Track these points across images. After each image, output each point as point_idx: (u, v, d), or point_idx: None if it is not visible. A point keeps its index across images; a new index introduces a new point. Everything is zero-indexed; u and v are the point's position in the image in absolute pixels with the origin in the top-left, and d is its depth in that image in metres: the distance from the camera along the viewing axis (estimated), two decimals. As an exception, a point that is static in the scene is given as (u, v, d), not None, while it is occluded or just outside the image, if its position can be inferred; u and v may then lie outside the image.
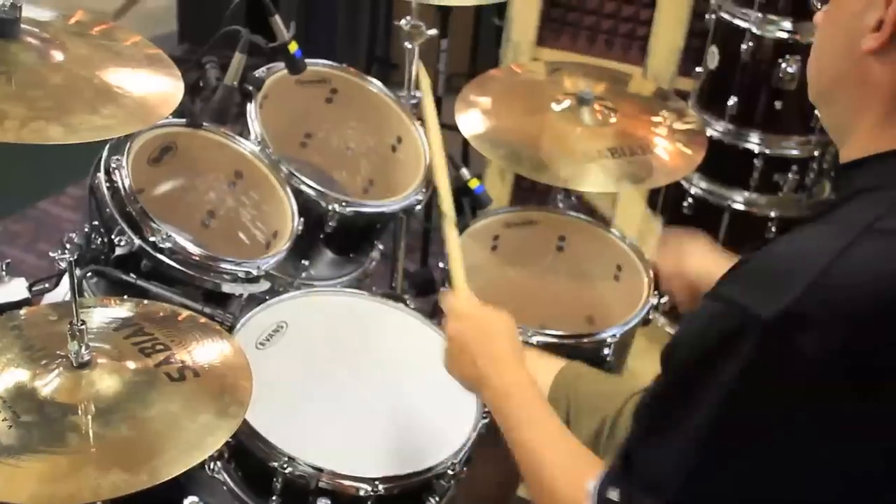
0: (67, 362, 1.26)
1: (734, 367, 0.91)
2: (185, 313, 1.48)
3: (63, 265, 1.59)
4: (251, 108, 1.95)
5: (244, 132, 1.95)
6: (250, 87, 1.93)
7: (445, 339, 1.39)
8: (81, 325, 1.25)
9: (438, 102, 2.78)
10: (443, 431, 1.57)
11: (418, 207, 2.08)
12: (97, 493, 1.14)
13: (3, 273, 1.55)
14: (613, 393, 1.60)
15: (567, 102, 2.12)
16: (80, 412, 1.22)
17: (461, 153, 2.79)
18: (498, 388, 1.28)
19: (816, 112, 2.44)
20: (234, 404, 1.29)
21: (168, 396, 1.27)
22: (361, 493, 1.44)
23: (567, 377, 1.64)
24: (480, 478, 1.79)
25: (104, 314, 1.43)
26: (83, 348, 1.26)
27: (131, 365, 1.31)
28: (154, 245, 1.63)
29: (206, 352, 1.37)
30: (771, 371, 0.90)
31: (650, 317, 1.98)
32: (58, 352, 1.28)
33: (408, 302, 1.92)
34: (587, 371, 1.68)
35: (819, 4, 1.12)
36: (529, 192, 3.06)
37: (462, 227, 2.10)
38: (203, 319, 1.47)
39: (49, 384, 1.25)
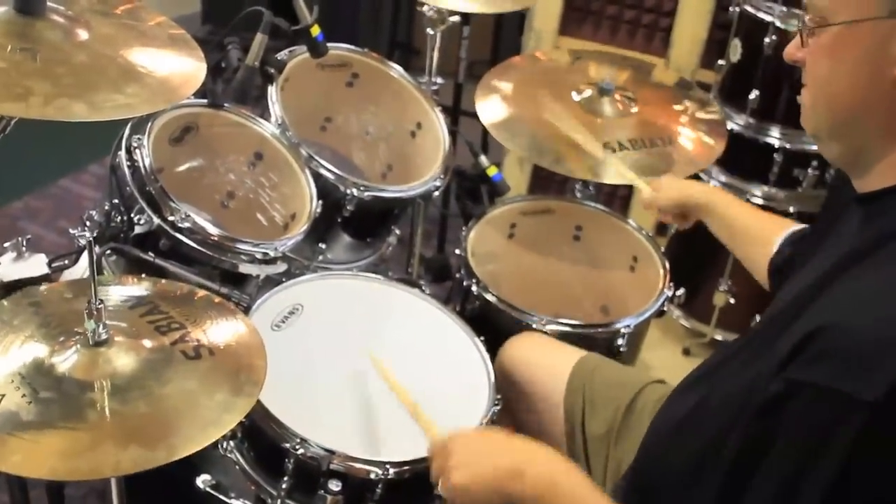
0: (85, 339, 1.27)
1: (839, 451, 0.91)
2: (201, 293, 1.48)
3: (83, 242, 1.61)
4: (272, 91, 1.96)
5: (265, 114, 1.95)
6: (272, 70, 1.94)
7: (450, 470, 1.25)
8: (99, 303, 1.26)
9: (459, 89, 2.79)
10: (455, 417, 1.57)
11: (436, 193, 2.08)
12: (117, 468, 1.15)
13: (24, 249, 1.56)
14: (628, 382, 1.61)
15: (588, 92, 2.12)
16: (96, 389, 1.23)
17: (480, 141, 2.79)
18: (539, 476, 1.18)
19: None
20: (249, 382, 1.30)
21: (184, 374, 1.28)
22: (372, 476, 1.45)
23: (584, 368, 1.65)
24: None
25: (121, 292, 1.44)
26: (100, 326, 1.27)
27: (147, 343, 1.31)
28: (173, 224, 1.64)
29: (221, 331, 1.38)
30: (879, 447, 0.90)
31: (665, 308, 1.98)
32: (75, 329, 1.29)
33: (423, 287, 1.93)
34: (603, 362, 1.70)
35: (805, 35, 1.09)
36: (547, 181, 3.06)
37: (480, 214, 2.11)
38: (219, 299, 1.48)
39: (66, 361, 1.26)
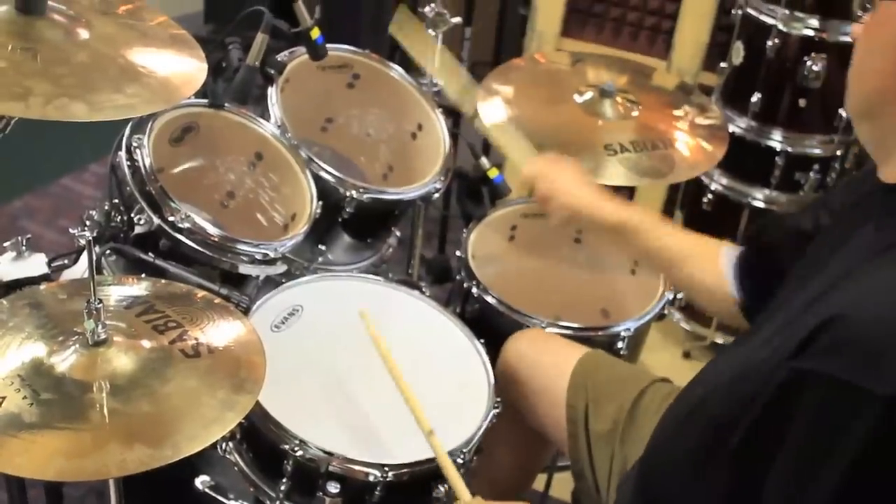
0: (83, 340, 1.27)
1: (851, 446, 0.89)
2: (200, 293, 1.48)
3: (82, 242, 1.60)
4: (272, 93, 1.95)
5: (266, 114, 1.95)
6: (272, 71, 1.94)
7: None
8: (98, 303, 1.25)
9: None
10: (454, 419, 1.57)
11: (436, 195, 2.08)
12: (123, 468, 1.15)
13: (23, 248, 1.55)
14: (632, 380, 1.61)
15: (589, 94, 2.12)
16: (96, 390, 1.22)
17: (481, 142, 2.78)
18: None
19: (841, 111, 2.43)
20: (250, 379, 1.30)
21: (185, 373, 1.28)
22: (371, 478, 1.45)
23: (586, 366, 1.64)
24: (498, 464, 1.79)
25: (119, 292, 1.44)
26: (99, 326, 1.26)
27: (146, 343, 1.31)
28: (173, 225, 1.64)
29: (219, 331, 1.38)
30: (890, 443, 0.89)
31: (665, 312, 1.97)
32: (74, 329, 1.29)
33: (424, 289, 1.93)
34: (606, 359, 1.69)
35: (860, 13, 1.06)
36: (549, 183, 3.05)
37: (480, 216, 2.11)
38: (217, 300, 1.47)
39: (65, 361, 1.25)
